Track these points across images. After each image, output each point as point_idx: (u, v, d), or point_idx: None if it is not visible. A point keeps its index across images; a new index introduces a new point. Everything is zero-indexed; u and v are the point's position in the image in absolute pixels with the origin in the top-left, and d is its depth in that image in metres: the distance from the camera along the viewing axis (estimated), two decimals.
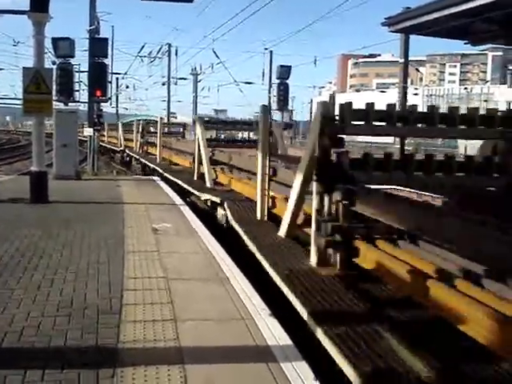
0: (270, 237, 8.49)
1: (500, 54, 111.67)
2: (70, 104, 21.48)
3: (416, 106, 7.90)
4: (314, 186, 7.04)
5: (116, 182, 18.69)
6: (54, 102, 15.67)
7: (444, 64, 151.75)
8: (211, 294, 6.49)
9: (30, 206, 12.86)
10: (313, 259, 7.00)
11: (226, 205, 11.38)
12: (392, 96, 51.61)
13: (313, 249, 7.00)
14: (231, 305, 6.08)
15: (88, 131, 25.66)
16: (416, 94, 75.03)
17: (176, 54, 60.23)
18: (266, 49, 53.70)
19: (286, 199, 8.70)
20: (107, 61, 24.08)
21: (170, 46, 59.84)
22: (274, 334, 5.22)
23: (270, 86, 46.80)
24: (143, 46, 55.76)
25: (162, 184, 18.49)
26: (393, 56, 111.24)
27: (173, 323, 5.46)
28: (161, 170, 21.47)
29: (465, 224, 6.02)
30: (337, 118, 6.93)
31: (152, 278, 7.08)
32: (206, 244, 9.17)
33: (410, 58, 33.65)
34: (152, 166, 24.35)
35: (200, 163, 16.03)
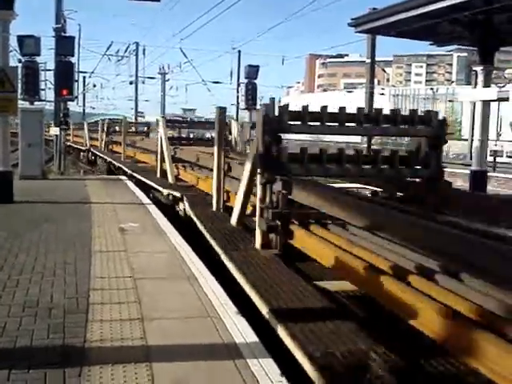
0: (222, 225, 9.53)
1: (465, 54, 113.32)
2: (35, 103, 21.25)
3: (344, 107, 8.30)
4: (258, 178, 7.98)
5: (83, 182, 18.57)
6: (19, 101, 15.49)
7: (410, 64, 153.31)
8: (178, 292, 6.52)
9: None
10: (257, 242, 7.95)
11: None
12: (359, 96, 52.02)
13: (257, 232, 7.95)
14: (198, 303, 6.10)
15: (54, 130, 25.42)
16: (382, 94, 75.77)
17: (144, 53, 59.91)
18: (234, 48, 53.44)
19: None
20: (74, 59, 23.99)
21: (137, 44, 59.51)
22: (241, 331, 5.26)
23: (239, 86, 46.76)
24: (110, 45, 54.88)
25: (130, 183, 18.41)
26: (360, 56, 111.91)
27: (140, 322, 5.47)
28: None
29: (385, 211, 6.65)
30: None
31: (119, 277, 7.07)
32: (174, 243, 9.18)
33: (376, 59, 34.03)
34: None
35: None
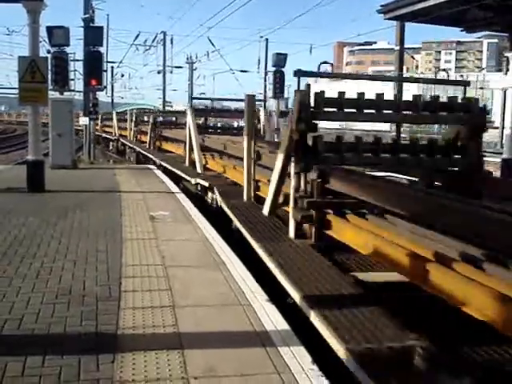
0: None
1: (495, 41, 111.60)
2: (65, 93, 21.41)
3: (382, 94, 7.95)
4: (293, 167, 7.74)
5: (112, 171, 18.72)
6: (49, 91, 15.63)
7: (439, 51, 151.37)
8: (209, 280, 6.54)
9: (27, 195, 12.89)
10: (291, 232, 7.74)
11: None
12: (388, 84, 51.47)
13: (291, 223, 7.74)
14: (229, 290, 6.12)
15: (84, 120, 25.61)
16: None
17: (171, 43, 59.83)
18: (262, 37, 53.06)
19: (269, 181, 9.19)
20: (102, 49, 24.07)
21: (165, 34, 59.39)
22: (272, 318, 5.26)
23: (266, 74, 46.56)
24: (138, 35, 55.33)
25: (159, 172, 18.51)
26: (388, 44, 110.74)
27: (171, 309, 5.51)
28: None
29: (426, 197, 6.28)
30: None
31: (150, 265, 7.12)
32: (203, 231, 9.22)
33: (405, 46, 33.50)
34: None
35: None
